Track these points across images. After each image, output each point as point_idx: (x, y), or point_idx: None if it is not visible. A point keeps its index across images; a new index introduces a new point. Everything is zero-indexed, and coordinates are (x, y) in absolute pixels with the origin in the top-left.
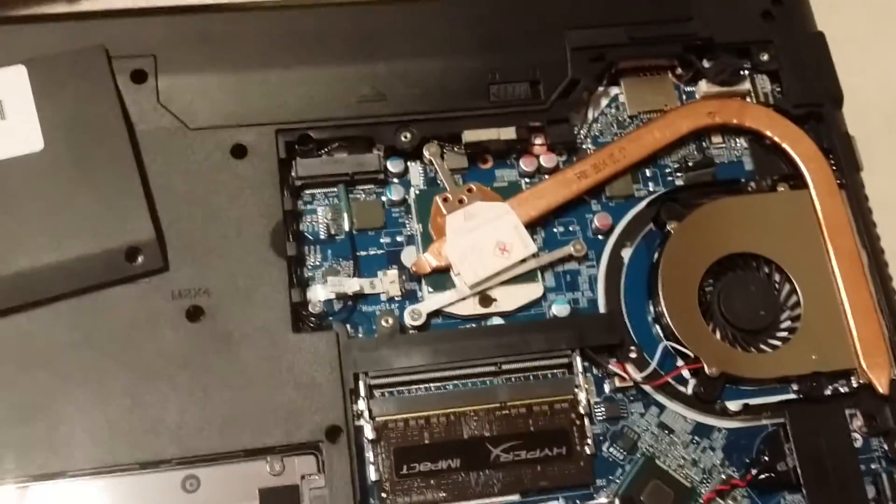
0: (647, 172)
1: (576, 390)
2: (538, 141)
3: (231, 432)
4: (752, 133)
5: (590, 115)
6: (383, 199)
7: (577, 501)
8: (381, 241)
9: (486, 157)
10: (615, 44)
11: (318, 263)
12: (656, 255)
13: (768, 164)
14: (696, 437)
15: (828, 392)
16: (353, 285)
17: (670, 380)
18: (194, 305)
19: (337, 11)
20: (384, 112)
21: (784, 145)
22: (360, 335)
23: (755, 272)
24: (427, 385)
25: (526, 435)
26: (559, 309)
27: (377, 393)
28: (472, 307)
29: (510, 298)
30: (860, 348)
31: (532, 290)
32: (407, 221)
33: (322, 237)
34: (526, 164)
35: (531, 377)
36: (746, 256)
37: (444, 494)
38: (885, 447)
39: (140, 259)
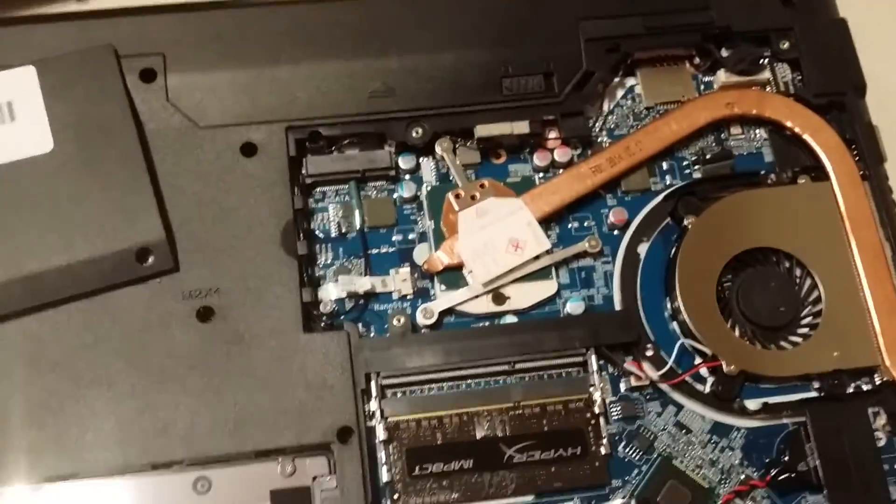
0: (664, 165)
1: (591, 389)
2: (552, 135)
3: (242, 434)
4: (772, 124)
5: (605, 108)
6: (395, 195)
7: (593, 502)
8: (393, 238)
9: (498, 151)
10: (630, 34)
11: (329, 262)
12: (673, 251)
13: (789, 155)
14: (715, 437)
15: (850, 390)
16: (364, 284)
17: (688, 378)
18: (205, 306)
19: (345, 6)
20: (395, 107)
21: (805, 136)
22: (372, 335)
23: (775, 267)
24: (440, 385)
25: (540, 435)
26: (574, 306)
27: (389, 393)
28: (485, 305)
29: (524, 296)
30: (884, 345)
31: (546, 288)
32: (419, 218)
33: (333, 235)
34: (539, 159)
35: (545, 376)
36: (766, 251)
37: (456, 495)
38: None
39: (150, 260)
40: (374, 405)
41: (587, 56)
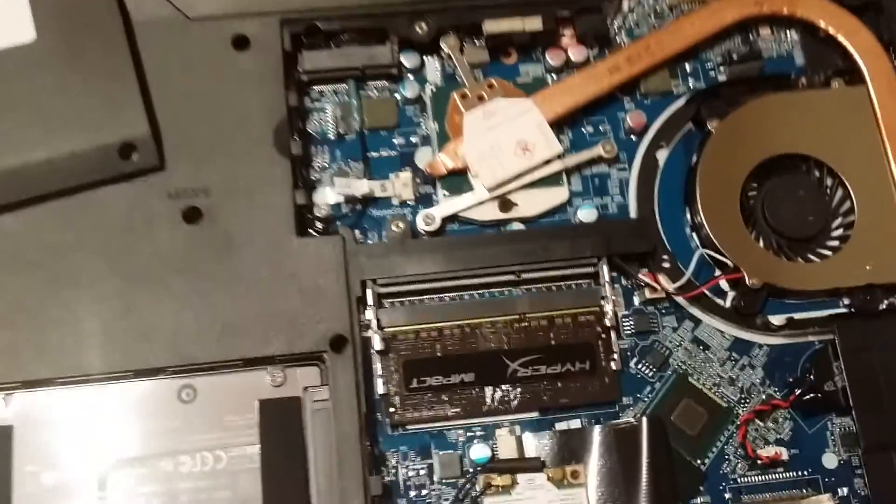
0: (687, 67)
1: (602, 302)
2: (567, 32)
3: (230, 341)
4: (804, 24)
5: (625, 5)
6: (397, 95)
7: (601, 420)
8: (394, 141)
9: (509, 50)
10: None
11: (325, 165)
12: (695, 157)
13: (821, 57)
14: (735, 354)
15: (882, 306)
16: (362, 188)
17: (706, 291)
18: (192, 206)
19: None
20: (398, 0)
21: (839, 37)
22: (370, 241)
23: (804, 175)
24: (440, 295)
25: (546, 348)
26: (585, 214)
27: (386, 302)
28: (490, 212)
29: (532, 203)
30: None
31: (556, 195)
32: (422, 120)
33: (330, 137)
34: (553, 58)
35: (553, 287)
36: (795, 158)
37: (456, 410)
38: None
39: (135, 156)
40: (369, 314)
41: None
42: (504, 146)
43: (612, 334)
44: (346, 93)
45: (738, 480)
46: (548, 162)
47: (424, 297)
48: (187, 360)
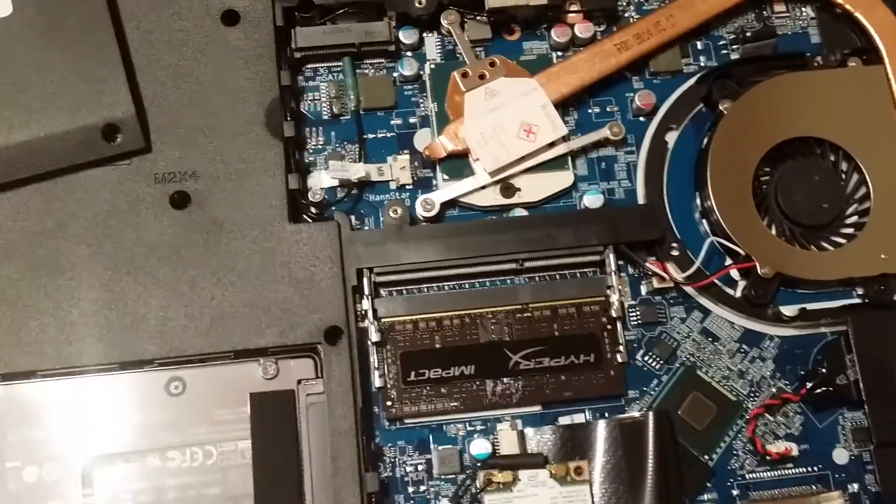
0: (698, 44)
1: (608, 291)
2: (573, 7)
3: (220, 332)
4: (820, 0)
5: None
6: (394, 74)
7: (606, 414)
8: (392, 122)
9: (512, 26)
10: None
11: (319, 147)
12: (706, 140)
13: (838, 35)
14: (745, 346)
15: None
16: (358, 171)
17: (716, 280)
18: (179, 191)
19: None
20: None
21: (857, 14)
22: (366, 227)
23: (819, 159)
24: (439, 284)
25: (550, 340)
26: (591, 200)
27: (383, 291)
28: (492, 197)
29: (536, 188)
30: None
31: (561, 179)
32: (420, 100)
33: (324, 117)
34: (558, 35)
35: (557, 276)
36: (809, 141)
37: (456, 404)
38: None
39: (119, 138)
40: (366, 304)
41: None
42: (507, 128)
43: (618, 325)
44: (342, 71)
45: (747, 476)
46: (552, 145)
47: (423, 286)
48: (176, 352)
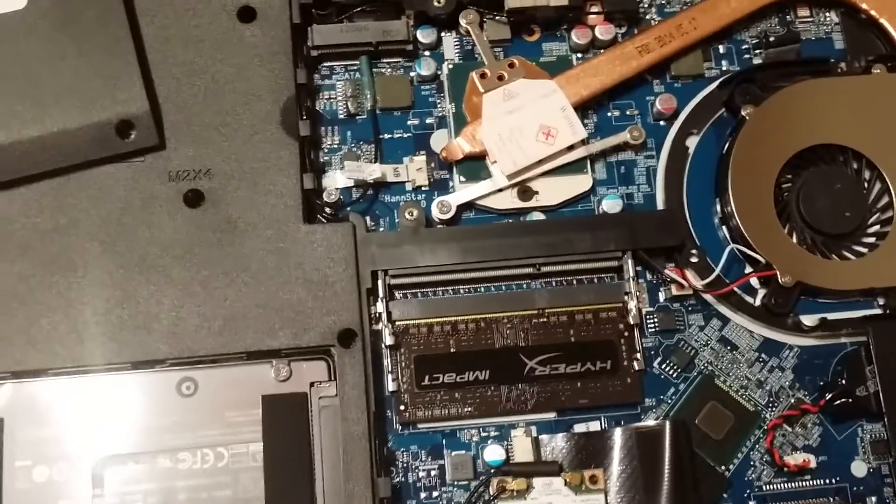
0: (721, 48)
1: (625, 298)
2: (594, 9)
3: (233, 332)
4: (845, 5)
5: None
6: (412, 74)
7: (622, 422)
8: (408, 122)
9: (532, 27)
10: None
11: (335, 146)
12: (727, 145)
13: (862, 41)
14: (763, 355)
15: None
16: (374, 172)
17: (736, 289)
18: (193, 189)
19: None
20: None
21: (882, 20)
22: (381, 229)
23: (842, 167)
24: (455, 287)
25: (566, 346)
26: (610, 204)
27: (398, 294)
28: (509, 200)
29: (554, 191)
30: None
31: (579, 183)
32: (438, 100)
33: (341, 116)
34: (578, 36)
35: (574, 281)
36: (832, 148)
37: (469, 409)
38: None
39: (133, 135)
40: (380, 307)
41: None
42: (525, 130)
43: (636, 332)
44: (358, 70)
45: (764, 488)
46: (571, 148)
47: (438, 289)
48: (188, 352)
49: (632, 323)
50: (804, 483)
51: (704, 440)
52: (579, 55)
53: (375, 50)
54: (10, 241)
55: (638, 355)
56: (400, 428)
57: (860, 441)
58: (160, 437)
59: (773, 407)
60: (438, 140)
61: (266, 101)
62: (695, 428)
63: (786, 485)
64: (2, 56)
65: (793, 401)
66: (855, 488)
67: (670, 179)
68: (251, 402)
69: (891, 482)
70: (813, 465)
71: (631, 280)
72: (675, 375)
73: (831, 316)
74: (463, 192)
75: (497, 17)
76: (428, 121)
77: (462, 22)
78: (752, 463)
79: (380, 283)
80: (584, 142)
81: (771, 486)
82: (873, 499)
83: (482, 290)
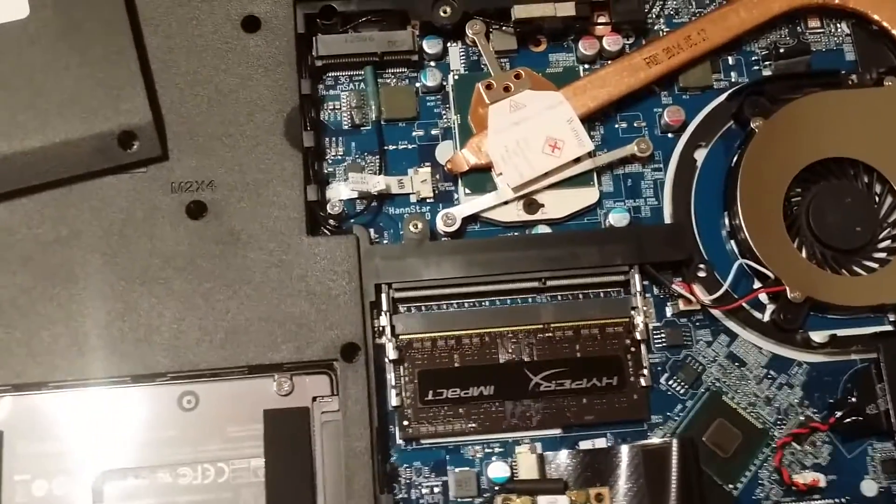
0: (730, 60)
1: (632, 312)
2: (601, 19)
3: (234, 346)
4: (857, 16)
5: None
6: (417, 84)
7: (629, 439)
8: (413, 133)
9: (538, 37)
10: None
11: (339, 157)
12: (736, 158)
13: (874, 53)
14: (772, 372)
15: None
16: (378, 183)
17: (745, 304)
18: (196, 201)
19: None
20: None
21: (894, 31)
22: (385, 241)
23: (852, 181)
24: (459, 301)
25: (571, 361)
26: (617, 218)
27: (402, 308)
28: (515, 213)
29: (560, 204)
30: None
31: (586, 196)
32: (443, 111)
33: (345, 127)
34: (585, 47)
35: (580, 296)
36: (843, 162)
37: (474, 425)
38: None
39: (135, 145)
40: (384, 320)
41: None
42: (531, 142)
43: (642, 348)
44: (363, 80)
45: None
46: (578, 160)
47: (442, 302)
48: (189, 366)
49: (638, 338)
50: (813, 502)
51: (712, 458)
52: (586, 66)
53: (380, 60)
54: (12, 253)
55: (645, 371)
56: (403, 443)
57: (870, 460)
58: (160, 451)
59: (781, 424)
60: (443, 151)
61: (270, 111)
62: (702, 445)
63: None
64: (4, 66)
65: (802, 418)
66: None
67: (678, 192)
68: (253, 417)
69: None
70: (822, 484)
71: (638, 294)
72: (682, 392)
73: (841, 332)
74: (468, 204)
75: (503, 28)
76: (433, 132)
77: (468, 32)
78: (760, 481)
79: (383, 296)
80: (590, 154)
81: None
82: None
83: (487, 303)
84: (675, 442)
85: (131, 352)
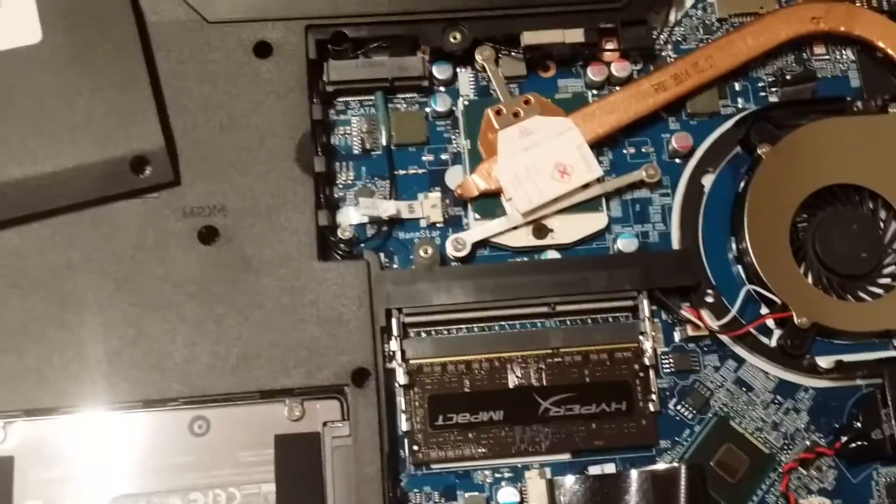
0: (737, 86)
1: (641, 338)
2: (610, 46)
3: (246, 371)
4: (862, 43)
5: (672, 17)
6: (427, 109)
7: (637, 464)
8: (423, 158)
9: (547, 63)
10: None
11: (350, 182)
12: (743, 184)
13: (879, 80)
14: (779, 397)
15: None
16: (388, 208)
17: (752, 330)
18: (208, 226)
19: None
20: (431, 8)
21: None
22: (395, 266)
23: (858, 207)
24: (469, 326)
25: (581, 387)
26: (626, 243)
27: (412, 332)
28: (524, 238)
29: (569, 229)
30: None
31: (595, 221)
32: (453, 136)
33: (355, 152)
34: (594, 73)
35: (589, 321)
36: (849, 188)
37: (483, 450)
38: None
39: (147, 171)
40: (394, 345)
41: None
42: (540, 168)
43: (651, 373)
44: (374, 105)
45: None
46: (586, 186)
47: (452, 327)
48: (200, 391)
49: (647, 363)
50: None
51: (720, 483)
52: (595, 92)
53: (391, 86)
54: (23, 278)
55: (653, 396)
56: (413, 468)
57: (875, 484)
58: (172, 476)
59: (788, 449)
60: (453, 176)
61: (281, 136)
62: (710, 470)
63: None
64: (17, 91)
65: (808, 443)
66: None
67: (686, 218)
68: (264, 442)
69: None
70: None
71: (646, 320)
72: (690, 417)
73: (847, 358)
74: (478, 229)
75: (513, 54)
76: (443, 157)
77: (478, 58)
78: None
79: (394, 321)
80: (599, 180)
81: None
82: None
83: (496, 328)
84: (683, 467)
85: (142, 377)
